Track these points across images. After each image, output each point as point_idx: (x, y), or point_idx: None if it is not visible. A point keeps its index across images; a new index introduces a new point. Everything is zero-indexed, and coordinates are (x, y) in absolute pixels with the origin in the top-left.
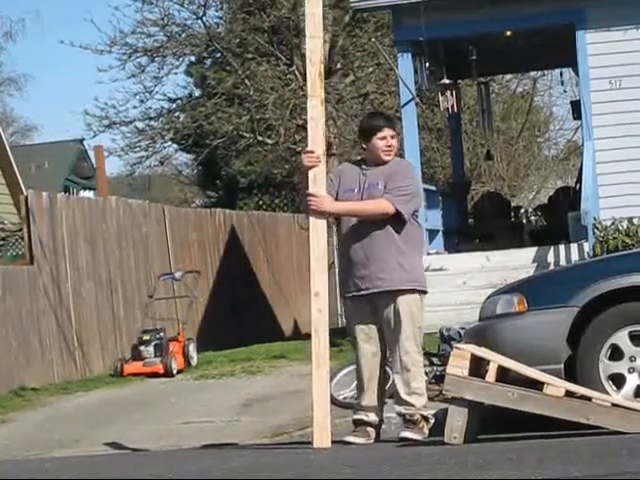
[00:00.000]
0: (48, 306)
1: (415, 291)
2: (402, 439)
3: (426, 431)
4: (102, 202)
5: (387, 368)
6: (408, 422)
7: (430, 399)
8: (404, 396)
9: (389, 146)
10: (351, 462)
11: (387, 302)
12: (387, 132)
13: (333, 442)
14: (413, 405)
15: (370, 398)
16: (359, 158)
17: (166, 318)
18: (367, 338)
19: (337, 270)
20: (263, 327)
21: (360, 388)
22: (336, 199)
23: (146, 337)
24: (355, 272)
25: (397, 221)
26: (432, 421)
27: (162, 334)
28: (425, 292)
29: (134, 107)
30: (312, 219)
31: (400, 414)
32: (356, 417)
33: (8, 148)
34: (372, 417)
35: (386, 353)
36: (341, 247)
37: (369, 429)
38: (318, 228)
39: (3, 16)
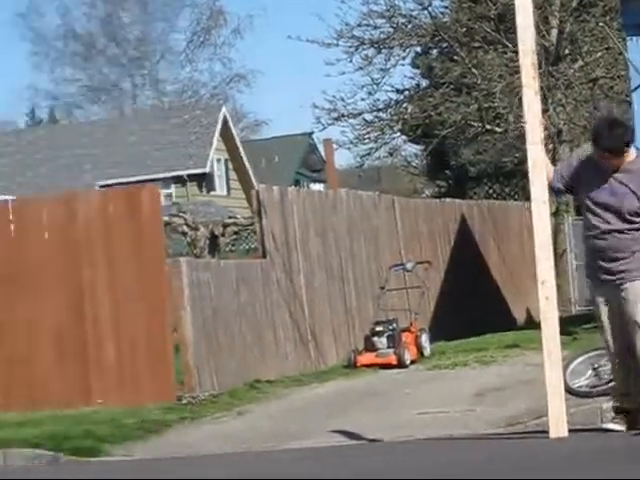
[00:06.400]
0: (281, 299)
1: None
2: None
3: None
4: (332, 194)
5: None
6: None
7: None
8: None
9: (608, 163)
10: (590, 452)
11: (635, 292)
12: (606, 155)
13: (569, 431)
14: None
15: (622, 384)
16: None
17: (398, 309)
18: (615, 324)
19: (569, 257)
20: (495, 316)
21: (613, 374)
22: (577, 188)
23: (379, 328)
24: (599, 262)
25: None
26: None
27: (394, 325)
28: None
29: (362, 99)
30: (534, 207)
31: None
32: (613, 404)
33: (239, 144)
34: (627, 404)
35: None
36: (586, 237)
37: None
38: (541, 215)
39: (231, 13)
